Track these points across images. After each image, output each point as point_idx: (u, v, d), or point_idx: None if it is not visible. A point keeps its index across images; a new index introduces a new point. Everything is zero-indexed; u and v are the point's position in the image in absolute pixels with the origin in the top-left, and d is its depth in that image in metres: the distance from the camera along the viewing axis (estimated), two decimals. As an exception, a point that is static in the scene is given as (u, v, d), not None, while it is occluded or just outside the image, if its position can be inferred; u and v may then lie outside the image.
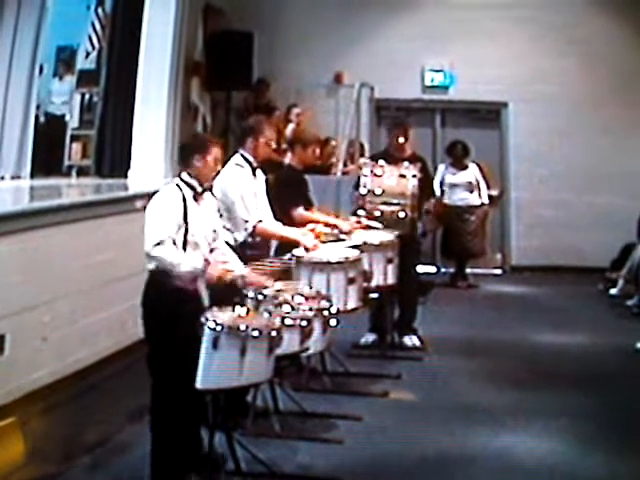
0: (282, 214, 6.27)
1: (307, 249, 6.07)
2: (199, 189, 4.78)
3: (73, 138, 10.64)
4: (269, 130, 6.08)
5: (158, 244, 4.56)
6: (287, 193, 6.58)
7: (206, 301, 4.88)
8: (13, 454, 4.94)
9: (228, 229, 5.69)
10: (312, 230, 6.34)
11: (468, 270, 11.23)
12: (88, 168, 10.28)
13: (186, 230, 4.66)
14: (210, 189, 4.96)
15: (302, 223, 6.47)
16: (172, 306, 4.60)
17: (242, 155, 5.97)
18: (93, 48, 10.66)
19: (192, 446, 4.85)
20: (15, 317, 5.65)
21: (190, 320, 4.50)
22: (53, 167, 10.16)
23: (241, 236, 5.83)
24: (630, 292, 9.82)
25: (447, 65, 12.14)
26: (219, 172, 5.07)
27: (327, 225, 6.69)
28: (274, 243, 6.39)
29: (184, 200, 4.69)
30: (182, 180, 4.77)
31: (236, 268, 4.96)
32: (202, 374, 4.49)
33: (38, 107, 10.02)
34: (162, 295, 4.64)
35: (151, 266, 4.67)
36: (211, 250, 4.89)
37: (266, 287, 5.14)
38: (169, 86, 10.17)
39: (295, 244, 6.16)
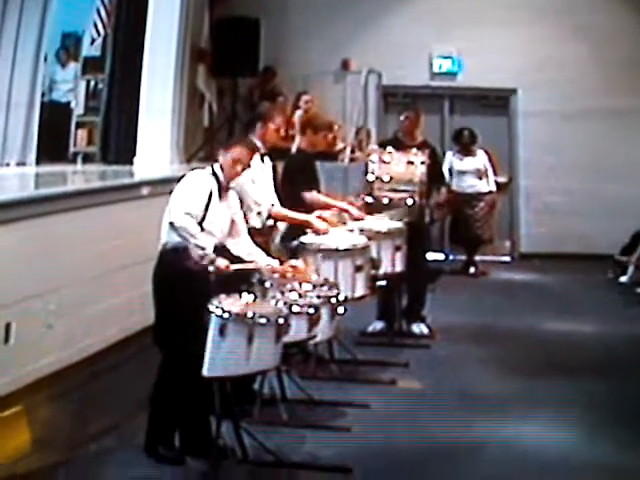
0: (294, 198, 6.23)
1: (319, 232, 6.05)
2: (224, 183, 4.99)
3: (78, 125, 10.65)
4: (279, 117, 6.09)
5: (186, 214, 4.74)
6: (299, 176, 6.54)
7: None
8: (19, 443, 4.92)
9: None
10: (320, 217, 6.30)
11: (477, 257, 11.18)
12: (93, 155, 10.29)
13: (203, 217, 4.82)
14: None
15: (314, 206, 6.43)
16: (182, 282, 4.69)
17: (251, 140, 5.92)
18: (98, 35, 10.65)
19: (199, 433, 4.85)
20: (21, 305, 5.63)
21: (199, 297, 4.56)
22: (58, 154, 10.16)
23: (256, 222, 5.77)
24: (640, 279, 9.77)
25: (455, 51, 12.04)
26: (239, 174, 5.11)
27: (339, 210, 6.66)
28: (280, 230, 6.33)
29: (211, 188, 4.91)
30: (214, 170, 4.99)
31: (261, 261, 5.13)
32: (209, 362, 4.48)
33: (43, 94, 10.00)
34: (173, 271, 4.75)
35: (164, 241, 4.81)
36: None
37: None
38: (175, 73, 10.13)
39: (302, 231, 6.13)
